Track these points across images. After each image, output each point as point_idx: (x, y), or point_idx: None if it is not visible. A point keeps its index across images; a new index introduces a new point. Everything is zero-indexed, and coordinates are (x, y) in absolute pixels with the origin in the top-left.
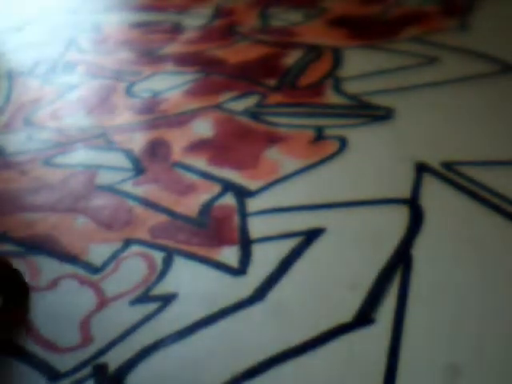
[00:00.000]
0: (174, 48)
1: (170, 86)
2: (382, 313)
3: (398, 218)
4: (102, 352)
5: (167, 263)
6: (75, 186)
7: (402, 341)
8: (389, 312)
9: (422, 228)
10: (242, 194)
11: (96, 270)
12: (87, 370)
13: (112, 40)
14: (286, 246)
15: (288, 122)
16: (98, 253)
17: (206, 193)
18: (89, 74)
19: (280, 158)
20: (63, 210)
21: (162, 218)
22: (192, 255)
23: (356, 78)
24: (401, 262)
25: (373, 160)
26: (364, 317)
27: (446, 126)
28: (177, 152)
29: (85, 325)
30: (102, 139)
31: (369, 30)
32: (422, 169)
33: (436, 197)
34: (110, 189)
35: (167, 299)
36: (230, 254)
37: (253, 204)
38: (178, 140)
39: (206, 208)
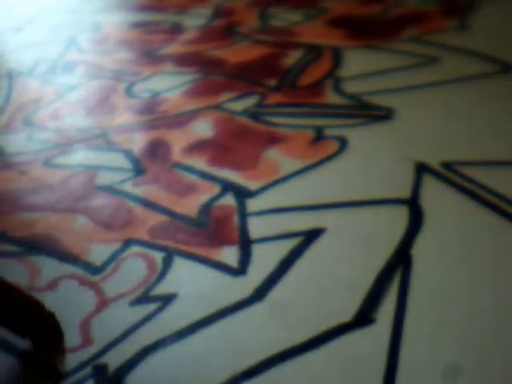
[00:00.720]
0: (173, 48)
1: (170, 86)
2: (382, 313)
3: (398, 218)
4: (102, 352)
5: (167, 263)
6: (75, 187)
7: (402, 341)
8: (389, 312)
9: (421, 228)
10: (242, 194)
11: (96, 270)
12: (87, 371)
13: (112, 40)
14: (286, 246)
15: (288, 122)
16: (97, 253)
17: (205, 193)
18: (88, 74)
19: (280, 159)
20: (63, 210)
21: (161, 218)
22: (192, 255)
23: (356, 78)
24: (401, 262)
25: (373, 160)
26: (364, 317)
27: (446, 126)
28: (177, 152)
29: (85, 325)
30: (101, 139)
31: (369, 30)
32: (421, 169)
33: (436, 197)
34: (110, 189)
35: (167, 299)
36: (229, 254)
37: (253, 204)
38: (177, 140)
39: (206, 208)
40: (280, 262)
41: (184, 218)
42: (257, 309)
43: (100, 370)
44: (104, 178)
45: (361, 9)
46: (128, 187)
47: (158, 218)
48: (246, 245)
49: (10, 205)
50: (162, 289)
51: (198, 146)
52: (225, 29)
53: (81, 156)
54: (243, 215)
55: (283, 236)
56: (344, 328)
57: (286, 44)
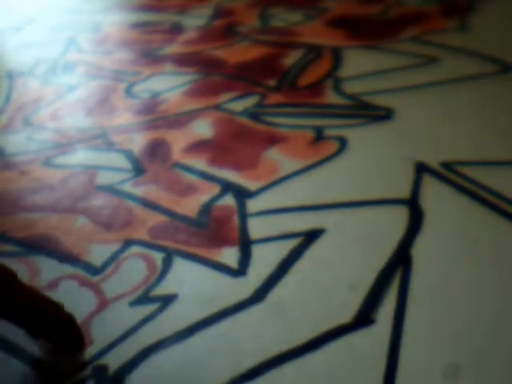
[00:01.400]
0: (173, 48)
1: (170, 86)
2: (382, 313)
3: (398, 218)
4: (102, 353)
5: (167, 264)
6: (75, 187)
7: (402, 341)
8: (389, 312)
9: (421, 228)
10: (242, 194)
11: (96, 270)
12: (87, 371)
13: (112, 40)
14: (286, 246)
15: (288, 123)
16: (97, 253)
17: (205, 193)
18: (88, 74)
19: (280, 159)
20: (63, 210)
21: (161, 218)
22: (192, 256)
23: (356, 78)
24: (400, 262)
25: (373, 160)
26: (364, 317)
27: (446, 126)
28: (176, 152)
29: (85, 325)
30: (101, 140)
31: (369, 30)
32: (421, 169)
33: (436, 197)
34: (110, 189)
35: (167, 300)
36: (229, 255)
37: (252, 204)
38: (177, 140)
39: (206, 208)
40: (280, 262)
41: (184, 219)
42: (257, 309)
43: (100, 371)
44: (104, 178)
45: (361, 9)
46: (128, 187)
47: (158, 218)
48: (245, 245)
49: (10, 205)
50: (161, 289)
51: (197, 146)
52: (225, 29)
53: (81, 156)
54: (243, 215)
55: (283, 236)
56: (344, 328)
57: (286, 44)
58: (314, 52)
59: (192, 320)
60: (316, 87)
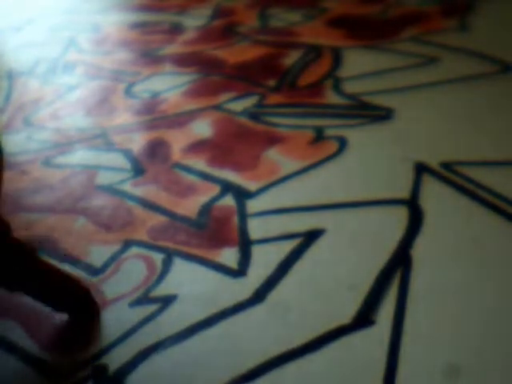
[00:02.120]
0: (173, 48)
1: (170, 86)
2: (382, 314)
3: (398, 219)
4: (102, 353)
5: (167, 264)
6: (75, 187)
7: (402, 341)
8: (388, 313)
9: (421, 228)
10: (242, 194)
11: (96, 271)
12: (87, 371)
13: (111, 40)
14: (286, 247)
15: (288, 123)
16: (97, 254)
17: (205, 194)
18: (88, 74)
19: (279, 159)
20: (63, 210)
21: (161, 218)
22: (191, 256)
23: (356, 78)
24: (400, 262)
25: (372, 160)
26: (364, 317)
27: (446, 126)
28: (176, 153)
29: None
30: (101, 140)
31: (368, 30)
32: (421, 169)
33: (435, 197)
34: (110, 189)
35: (167, 300)
36: (229, 255)
37: (252, 205)
38: (177, 140)
39: (206, 209)
40: (280, 263)
41: (184, 219)
42: (257, 310)
43: (100, 371)
44: (104, 178)
45: (361, 9)
46: (128, 187)
47: (158, 219)
48: (245, 246)
49: (10, 205)
50: (161, 290)
51: (197, 147)
52: (224, 29)
53: (80, 156)
54: (243, 216)
55: (283, 237)
56: (344, 329)
57: (286, 44)
58: (314, 52)
59: (192, 320)
60: (316, 87)
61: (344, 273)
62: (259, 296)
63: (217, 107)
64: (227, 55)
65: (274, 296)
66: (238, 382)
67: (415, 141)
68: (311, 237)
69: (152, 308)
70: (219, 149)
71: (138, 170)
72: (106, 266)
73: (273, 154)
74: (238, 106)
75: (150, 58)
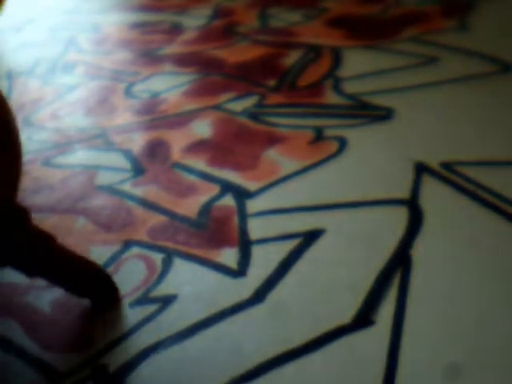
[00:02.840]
0: (173, 48)
1: (170, 86)
2: (382, 314)
3: (398, 219)
4: (102, 353)
5: (167, 264)
6: (75, 187)
7: (402, 342)
8: (388, 313)
9: (421, 229)
10: (242, 194)
11: None
12: (87, 371)
13: (111, 40)
14: (286, 247)
15: (287, 123)
16: (97, 254)
17: (205, 194)
18: (88, 74)
19: (279, 159)
20: (63, 210)
21: (161, 218)
22: (191, 256)
23: (356, 78)
24: (400, 262)
25: (372, 160)
26: (364, 318)
27: (446, 126)
28: (176, 152)
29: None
30: (101, 140)
31: (368, 30)
32: (421, 169)
33: (435, 197)
34: (110, 189)
35: (167, 301)
36: (229, 256)
37: (252, 205)
38: (177, 140)
39: (206, 209)
40: (280, 263)
41: (184, 219)
42: (256, 310)
43: (100, 371)
44: (104, 178)
45: (360, 9)
46: (128, 187)
47: (158, 219)
48: (245, 246)
49: None
50: (161, 290)
51: (197, 147)
52: (224, 29)
53: (80, 156)
54: (243, 216)
55: (283, 237)
56: (344, 329)
57: (286, 44)
58: (314, 52)
59: (192, 321)
60: (316, 87)
61: (344, 273)
62: (259, 296)
63: (217, 107)
64: (227, 55)
65: (274, 296)
66: (238, 381)
67: (415, 141)
68: (311, 237)
69: (152, 308)
70: (219, 149)
71: (138, 169)
72: (105, 266)
73: (273, 153)
74: (238, 105)
75: (150, 58)
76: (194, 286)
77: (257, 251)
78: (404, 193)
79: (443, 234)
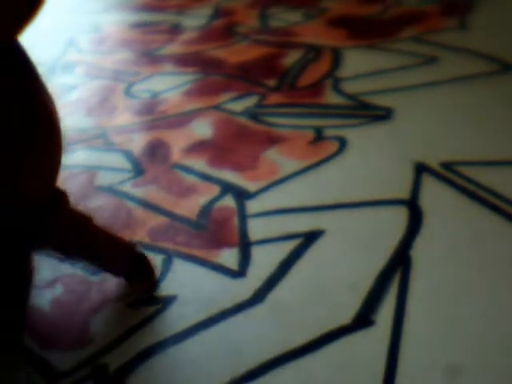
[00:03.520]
0: (173, 48)
1: (170, 86)
2: (382, 314)
3: (398, 219)
4: (102, 352)
5: (167, 265)
6: (75, 187)
7: (402, 342)
8: (388, 313)
9: (421, 229)
10: (242, 195)
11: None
12: (87, 371)
13: (111, 40)
14: (286, 247)
15: (287, 123)
16: None
17: (205, 194)
18: (88, 74)
19: (279, 159)
20: None
21: (161, 219)
22: (191, 257)
23: (355, 78)
24: (400, 262)
25: (372, 160)
26: (364, 318)
27: (446, 126)
28: (176, 153)
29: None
30: (101, 140)
31: (368, 29)
32: (421, 169)
33: (435, 197)
34: (110, 190)
35: (167, 301)
36: (229, 256)
37: (252, 205)
38: (177, 141)
39: (206, 209)
40: (280, 263)
41: (184, 220)
42: (256, 311)
43: (100, 371)
44: (104, 179)
45: (360, 9)
46: (128, 188)
47: (158, 220)
48: (245, 246)
49: None
50: (161, 290)
51: (197, 147)
52: (224, 29)
53: (80, 156)
54: (243, 217)
55: (283, 237)
56: (344, 330)
57: (286, 44)
58: (314, 52)
59: (192, 321)
60: (316, 87)
61: (344, 273)
62: (259, 297)
63: (217, 107)
64: (227, 55)
65: (274, 296)
66: (238, 382)
67: (415, 141)
68: (311, 237)
69: (152, 308)
70: (219, 149)
71: (138, 170)
72: None
73: (273, 154)
74: (238, 106)
75: (150, 58)
76: (194, 286)
77: (257, 252)
78: (404, 193)
79: (443, 234)
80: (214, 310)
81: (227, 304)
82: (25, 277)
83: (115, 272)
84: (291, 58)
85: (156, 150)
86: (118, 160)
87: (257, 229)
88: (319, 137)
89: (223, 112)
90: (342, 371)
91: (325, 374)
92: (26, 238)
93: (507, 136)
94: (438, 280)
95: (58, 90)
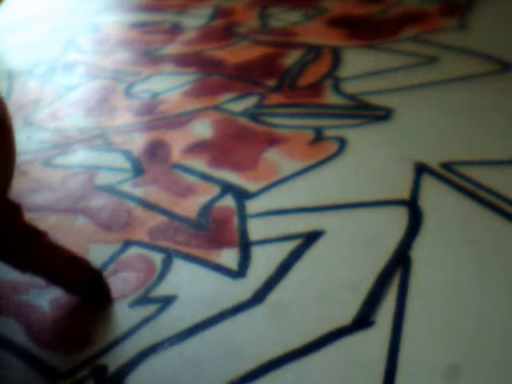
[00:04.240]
0: (173, 48)
1: (170, 86)
2: (382, 314)
3: (397, 219)
4: (102, 353)
5: (166, 265)
6: (75, 187)
7: (402, 342)
8: (388, 313)
9: (421, 229)
10: (242, 195)
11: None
12: (86, 371)
13: (111, 40)
14: (286, 248)
15: (287, 123)
16: (97, 254)
17: (205, 194)
18: (88, 74)
19: (279, 160)
20: (62, 210)
21: (161, 219)
22: (191, 257)
23: (355, 78)
24: (400, 263)
25: (372, 161)
26: (364, 319)
27: (446, 126)
28: (176, 153)
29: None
30: (101, 140)
31: (368, 29)
32: (421, 169)
33: (435, 197)
34: (110, 189)
35: (166, 301)
36: (229, 256)
37: (252, 206)
38: (177, 141)
39: (206, 210)
40: (279, 264)
41: (183, 220)
42: (256, 311)
43: (99, 371)
44: (103, 179)
45: (360, 9)
46: (127, 188)
47: (158, 219)
48: (245, 247)
49: None
50: (161, 290)
51: (197, 147)
52: (224, 29)
53: (80, 156)
54: (243, 217)
55: (283, 238)
56: (344, 330)
57: (286, 44)
58: (314, 52)
59: (191, 321)
60: (315, 87)
61: (344, 274)
62: (259, 297)
63: (217, 107)
64: (227, 55)
65: (274, 297)
66: (238, 382)
67: (415, 141)
68: (311, 238)
69: (152, 308)
70: (219, 149)
71: (138, 170)
72: (105, 265)
73: (273, 154)
74: (238, 106)
75: (150, 58)
76: (193, 286)
77: (257, 252)
78: (404, 193)
79: (443, 234)
80: (214, 310)
81: (227, 304)
82: None
83: (69, 289)
84: (291, 58)
85: (156, 150)
86: (117, 160)
87: (257, 229)
88: (319, 137)
89: (223, 112)
90: (341, 371)
91: (325, 375)
92: None
93: (507, 136)
94: (437, 280)
95: (57, 90)
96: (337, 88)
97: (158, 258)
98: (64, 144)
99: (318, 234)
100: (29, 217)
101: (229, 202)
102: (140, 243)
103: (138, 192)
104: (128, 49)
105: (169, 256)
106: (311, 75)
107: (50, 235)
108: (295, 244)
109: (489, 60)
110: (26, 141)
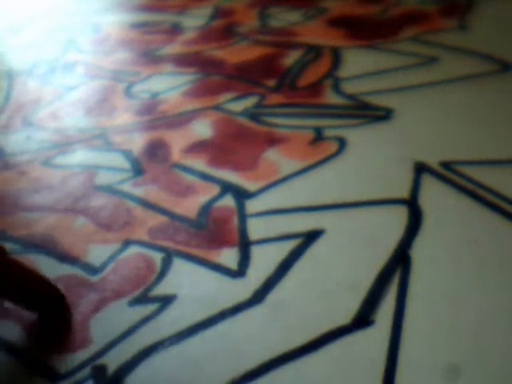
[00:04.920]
0: (173, 48)
1: (170, 86)
2: (382, 314)
3: (397, 219)
4: (102, 353)
5: (166, 264)
6: (74, 187)
7: (402, 342)
8: (388, 313)
9: (421, 228)
10: (241, 195)
11: (95, 270)
12: (86, 371)
13: (111, 40)
14: (285, 247)
15: (287, 123)
16: (97, 253)
17: (205, 194)
18: (88, 74)
19: (279, 159)
20: (62, 210)
21: (161, 218)
22: (191, 257)
23: (355, 78)
24: (400, 262)
25: (372, 160)
26: (364, 318)
27: (446, 126)
28: (176, 153)
29: (84, 325)
30: (101, 140)
31: (368, 29)
32: (421, 169)
33: (435, 197)
34: (110, 189)
35: (166, 300)
36: (229, 256)
37: (252, 205)
38: (177, 141)
39: (205, 209)
40: (279, 263)
41: (183, 219)
42: (256, 311)
43: (99, 371)
44: (103, 178)
45: (360, 9)
46: (127, 187)
47: (158, 219)
48: (245, 246)
49: (10, 205)
50: (161, 290)
51: (197, 147)
52: (224, 29)
53: (80, 156)
54: (242, 216)
55: (283, 237)
56: (344, 329)
57: (286, 44)
58: (314, 52)
59: (191, 321)
60: (315, 87)
61: (344, 273)
62: (258, 296)
63: (217, 107)
64: (227, 55)
65: (274, 296)
66: (238, 382)
67: (415, 141)
68: (311, 237)
69: (151, 308)
70: (219, 149)
71: (138, 170)
72: (105, 265)
73: (272, 154)
74: (238, 106)
75: (150, 58)
76: (193, 286)
77: (256, 252)
78: (404, 193)
79: (443, 234)
80: (214, 309)
81: (227, 304)
82: None
83: (28, 307)
84: (291, 58)
85: (156, 150)
86: (117, 160)
87: (256, 228)
88: (319, 137)
89: (223, 112)
90: (341, 371)
91: (325, 374)
92: None
93: (507, 136)
94: (437, 280)
95: (57, 90)
96: (337, 88)
97: (157, 257)
98: (64, 144)
99: (318, 234)
100: (29, 217)
101: (228, 201)
102: (140, 243)
103: (138, 192)
104: (128, 49)
105: (168, 255)
106: (311, 75)
107: (50, 235)
108: (295, 243)
109: (489, 60)
110: (25, 141)
